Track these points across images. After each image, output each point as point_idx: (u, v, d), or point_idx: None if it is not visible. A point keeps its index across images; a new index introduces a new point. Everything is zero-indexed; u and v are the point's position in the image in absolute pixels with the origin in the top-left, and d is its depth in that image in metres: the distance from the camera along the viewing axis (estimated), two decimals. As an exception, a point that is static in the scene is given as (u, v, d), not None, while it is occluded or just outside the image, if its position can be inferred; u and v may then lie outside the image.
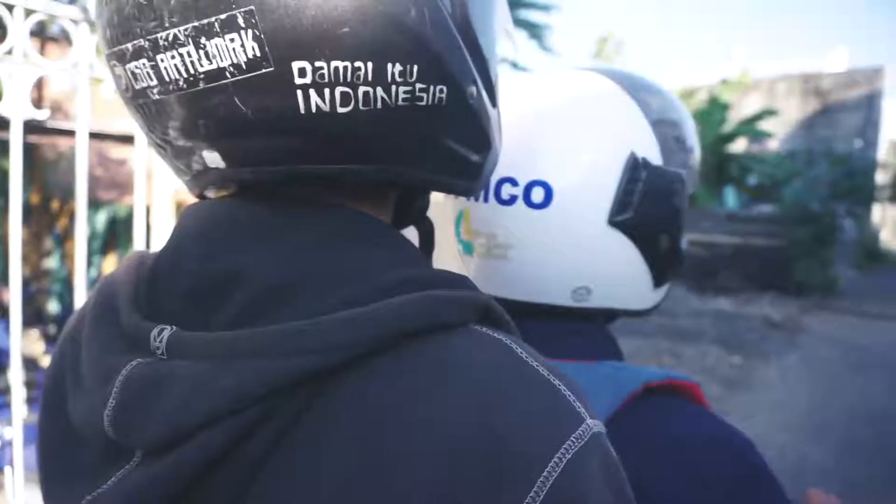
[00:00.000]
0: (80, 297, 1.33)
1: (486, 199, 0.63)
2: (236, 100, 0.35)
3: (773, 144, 18.42)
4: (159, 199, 1.45)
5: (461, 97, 0.39)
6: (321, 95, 0.34)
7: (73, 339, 0.43)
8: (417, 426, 0.31)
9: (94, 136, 1.66)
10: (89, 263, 3.69)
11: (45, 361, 3.27)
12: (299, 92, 0.34)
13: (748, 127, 15.68)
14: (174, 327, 0.35)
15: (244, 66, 0.34)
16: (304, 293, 0.35)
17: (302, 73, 0.34)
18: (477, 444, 0.31)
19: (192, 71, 0.34)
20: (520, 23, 5.60)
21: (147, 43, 0.34)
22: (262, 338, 0.33)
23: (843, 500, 0.72)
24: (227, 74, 0.34)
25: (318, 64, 0.34)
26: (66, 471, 0.38)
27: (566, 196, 0.60)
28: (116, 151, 5.96)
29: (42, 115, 1.30)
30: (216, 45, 0.33)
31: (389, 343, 0.33)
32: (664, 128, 0.64)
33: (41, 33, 3.15)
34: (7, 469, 1.35)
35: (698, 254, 13.07)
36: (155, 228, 1.44)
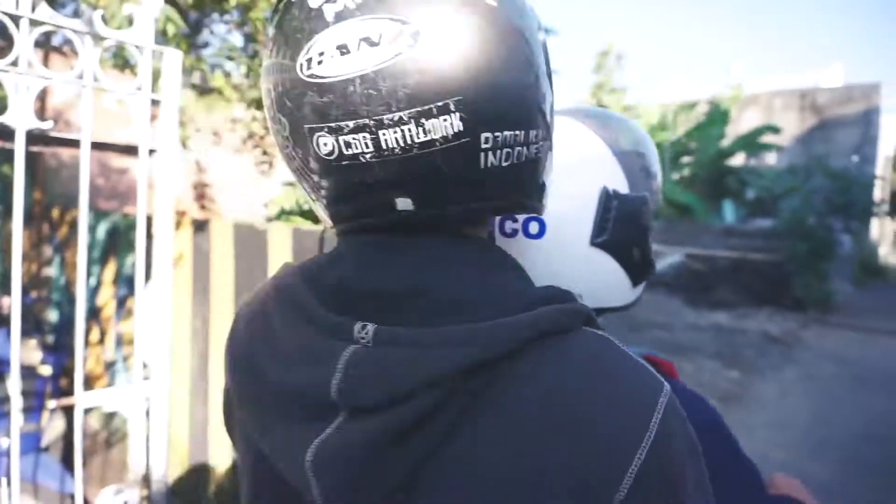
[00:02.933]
0: (81, 307, 1.34)
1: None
2: (439, 161, 0.48)
3: (770, 159, 18.49)
4: (161, 208, 1.46)
5: (552, 143, 0.58)
6: (495, 155, 0.50)
7: (249, 327, 0.59)
8: (561, 395, 0.46)
9: (97, 145, 1.67)
10: (89, 273, 3.69)
11: (43, 371, 3.27)
12: (482, 154, 0.49)
13: (750, 140, 15.76)
14: (375, 325, 0.48)
15: (450, 138, 0.47)
16: (469, 306, 0.49)
17: (486, 140, 0.49)
18: (608, 406, 0.46)
19: (409, 142, 0.47)
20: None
21: (372, 122, 0.46)
22: (452, 334, 0.46)
23: None
24: (437, 144, 0.47)
25: (496, 133, 0.49)
26: (286, 419, 0.50)
27: (556, 227, 0.75)
28: (118, 161, 5.98)
29: (45, 125, 1.31)
30: (432, 124, 0.47)
31: (532, 341, 0.47)
32: (629, 158, 0.79)
33: (45, 44, 3.18)
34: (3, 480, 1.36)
35: (696, 268, 13.07)
36: (156, 238, 1.45)
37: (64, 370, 3.44)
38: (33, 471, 2.61)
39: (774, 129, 15.85)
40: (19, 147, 1.24)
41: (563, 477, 0.43)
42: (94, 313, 3.91)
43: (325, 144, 0.49)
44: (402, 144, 0.47)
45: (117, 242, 3.79)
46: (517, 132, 0.50)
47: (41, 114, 3.19)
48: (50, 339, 4.51)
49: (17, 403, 1.34)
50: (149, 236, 1.47)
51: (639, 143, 0.81)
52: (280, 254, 2.74)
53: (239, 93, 3.17)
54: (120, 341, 3.82)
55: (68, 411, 2.53)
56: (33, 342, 3.70)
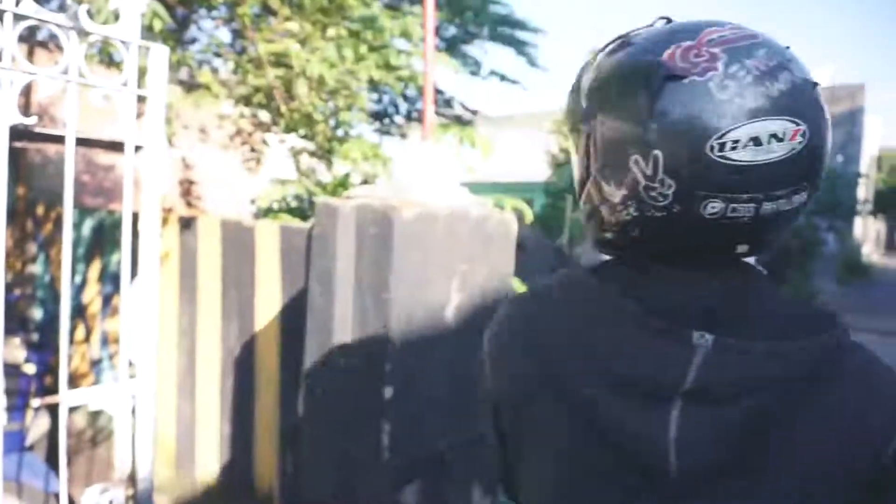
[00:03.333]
0: (66, 304, 1.33)
1: None
2: (781, 221, 0.62)
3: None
4: (147, 206, 1.45)
5: None
6: (804, 209, 0.64)
7: (553, 324, 0.71)
8: (864, 391, 0.62)
9: (82, 141, 1.65)
10: (74, 270, 3.65)
11: (27, 369, 3.23)
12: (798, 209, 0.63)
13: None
14: (712, 335, 0.61)
15: (799, 206, 0.62)
16: (779, 325, 0.63)
17: (804, 206, 0.63)
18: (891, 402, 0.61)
19: (778, 210, 0.60)
20: (508, 40, 5.65)
21: (762, 195, 0.59)
22: (779, 347, 0.60)
23: None
24: (790, 212, 0.61)
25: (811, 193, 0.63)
26: (626, 400, 0.63)
27: None
28: (104, 158, 5.91)
29: (30, 121, 1.30)
30: (796, 198, 0.61)
31: (832, 355, 0.61)
32: None
33: (29, 39, 3.14)
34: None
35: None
36: (142, 235, 1.44)
37: (48, 368, 3.40)
38: (17, 470, 2.58)
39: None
40: (2, 142, 1.22)
41: (860, 449, 0.60)
42: (79, 311, 3.87)
43: (714, 207, 0.60)
44: (773, 211, 0.60)
45: (103, 240, 3.75)
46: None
47: (26, 109, 3.15)
48: (34, 337, 4.46)
49: (0, 402, 1.33)
50: (135, 234, 1.46)
51: None
52: (267, 251, 2.73)
53: (226, 89, 3.15)
54: (106, 339, 3.79)
55: (53, 410, 2.51)
56: (17, 340, 3.66)
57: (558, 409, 0.68)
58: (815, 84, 0.61)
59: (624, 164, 0.62)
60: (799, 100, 0.58)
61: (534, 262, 11.70)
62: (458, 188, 2.00)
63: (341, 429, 1.89)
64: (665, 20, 0.67)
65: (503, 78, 6.08)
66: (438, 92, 6.72)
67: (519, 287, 3.46)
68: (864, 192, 20.54)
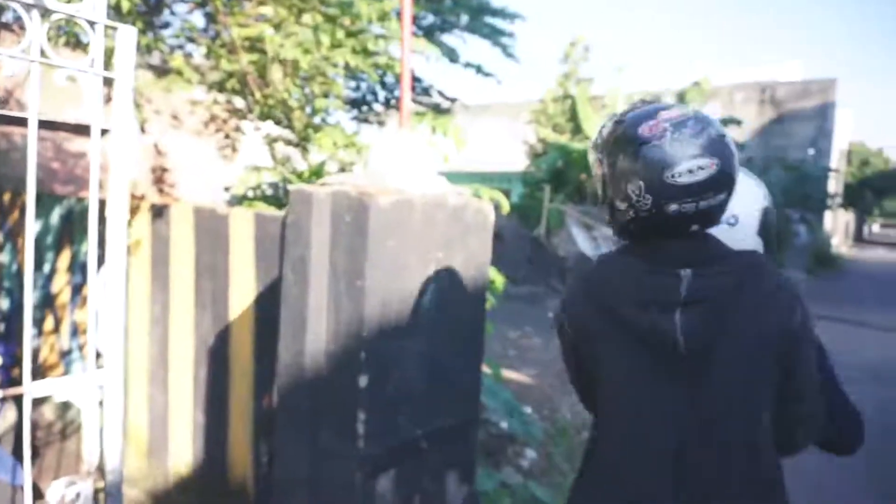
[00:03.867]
0: (28, 293, 1.29)
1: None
2: (717, 210, 1.13)
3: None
4: (114, 191, 1.41)
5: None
6: (725, 204, 1.18)
7: (594, 293, 1.22)
8: (768, 290, 1.14)
9: (46, 124, 1.60)
10: (43, 259, 3.57)
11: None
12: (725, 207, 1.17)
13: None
14: (689, 269, 1.12)
15: (721, 202, 1.13)
16: (722, 260, 1.14)
17: (726, 200, 1.15)
18: (782, 292, 1.15)
19: (709, 205, 1.10)
20: (483, 29, 5.63)
21: (698, 198, 1.09)
22: (721, 269, 1.13)
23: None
24: (717, 203, 1.12)
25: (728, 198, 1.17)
26: (649, 312, 1.14)
27: (745, 224, 1.34)
28: (75, 144, 5.78)
29: (-10, 102, 1.25)
30: (719, 196, 1.11)
31: (753, 270, 1.13)
32: (768, 194, 1.43)
33: (-8, 20, 3.04)
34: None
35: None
36: (109, 221, 1.40)
37: (16, 360, 3.33)
38: (-17, 463, 2.52)
39: (735, 122, 16.16)
40: (-38, 124, 1.18)
41: (782, 323, 1.12)
42: (48, 301, 3.79)
43: (672, 208, 1.11)
44: (706, 206, 1.09)
45: (73, 228, 3.67)
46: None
47: (-11, 92, 3.05)
48: (1, 327, 4.35)
49: (-38, 392, 1.29)
50: (103, 221, 1.42)
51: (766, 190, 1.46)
52: (242, 239, 2.69)
53: (199, 74, 3.09)
54: (76, 330, 3.72)
55: (20, 402, 2.45)
56: (-17, 330, 3.57)
57: (612, 331, 1.19)
58: (724, 135, 1.13)
59: (624, 189, 1.14)
60: (713, 145, 1.10)
61: (511, 252, 11.75)
62: (436, 176, 1.99)
63: (315, 418, 1.87)
64: (642, 102, 1.23)
65: (479, 70, 6.07)
66: (416, 80, 6.68)
67: (496, 276, 3.47)
68: (834, 185, 20.93)
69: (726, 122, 15.95)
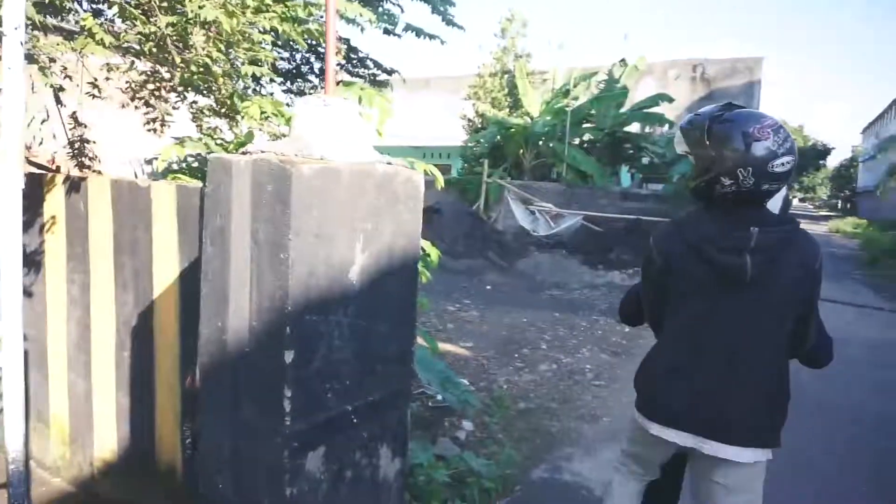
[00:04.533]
0: None
1: None
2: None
3: (664, 127, 19.38)
4: (8, 157, 1.30)
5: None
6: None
7: (685, 237, 1.84)
8: (802, 244, 1.81)
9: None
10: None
11: None
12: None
13: (645, 106, 16.39)
14: (756, 227, 1.73)
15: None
16: (776, 224, 1.78)
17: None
18: (813, 247, 1.83)
19: (780, 186, 1.80)
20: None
21: (783, 183, 1.78)
22: (780, 230, 1.77)
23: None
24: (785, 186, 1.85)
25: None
26: (720, 273, 1.78)
27: (772, 204, 1.85)
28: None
29: None
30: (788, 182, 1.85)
31: (795, 231, 1.80)
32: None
33: None
34: None
35: (594, 230, 13.60)
36: (2, 191, 1.29)
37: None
38: None
39: (667, 98, 16.57)
40: None
41: (810, 261, 1.78)
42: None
43: (766, 187, 1.73)
44: (783, 188, 1.79)
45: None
46: None
47: None
48: None
49: None
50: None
51: None
52: (164, 213, 2.57)
53: (113, 37, 2.88)
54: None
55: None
56: None
57: (695, 260, 1.78)
58: (794, 140, 1.69)
59: (733, 170, 1.69)
60: (793, 147, 1.69)
61: (450, 226, 11.76)
62: (364, 144, 1.93)
63: (240, 396, 1.81)
64: (729, 104, 1.85)
65: (419, 34, 5.96)
66: (352, 50, 6.51)
67: (431, 249, 3.45)
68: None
69: (660, 98, 16.34)
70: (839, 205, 60.42)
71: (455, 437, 3.66)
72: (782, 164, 1.67)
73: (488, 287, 9.03)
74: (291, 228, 1.64)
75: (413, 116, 28.17)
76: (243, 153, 1.81)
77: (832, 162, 61.36)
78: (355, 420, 1.95)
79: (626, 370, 5.43)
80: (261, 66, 3.21)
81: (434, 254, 3.26)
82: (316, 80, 6.54)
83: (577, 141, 16.43)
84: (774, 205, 1.86)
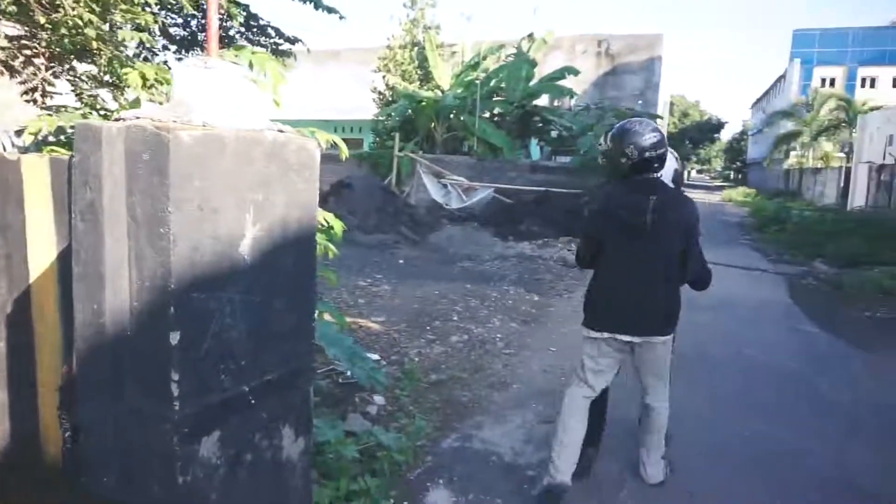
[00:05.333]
0: None
1: None
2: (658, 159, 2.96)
3: (570, 101, 19.85)
4: None
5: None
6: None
7: (609, 204, 2.91)
8: (683, 205, 2.95)
9: None
10: None
11: None
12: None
13: (553, 78, 16.69)
14: (654, 195, 2.80)
15: (659, 153, 3.00)
16: (667, 188, 2.95)
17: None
18: (688, 205, 2.99)
19: (657, 154, 2.91)
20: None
21: (655, 153, 2.93)
22: (668, 194, 2.88)
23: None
24: (658, 154, 3.01)
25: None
26: (630, 226, 2.80)
27: (665, 176, 3.03)
28: None
29: None
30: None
31: (679, 194, 3.01)
32: (677, 161, 3.39)
33: None
34: None
35: (505, 202, 13.82)
36: None
37: None
38: None
39: (574, 72, 16.94)
40: None
41: (687, 216, 2.88)
42: None
43: (644, 159, 2.84)
44: (658, 155, 2.81)
45: None
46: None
47: None
48: None
49: None
50: None
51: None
52: (37, 189, 2.34)
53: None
54: None
55: None
56: None
57: (614, 221, 2.81)
58: (658, 126, 2.91)
59: (623, 150, 2.77)
60: (656, 129, 2.82)
61: (362, 201, 11.59)
62: (252, 110, 1.82)
63: (123, 382, 1.69)
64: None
65: (317, 5, 5.76)
66: (252, 17, 6.21)
67: (335, 222, 3.36)
68: (659, 132, 22.77)
69: (566, 71, 16.68)
70: (732, 175, 64.43)
71: (366, 412, 3.63)
72: (650, 139, 2.76)
73: (401, 261, 8.99)
74: (171, 201, 1.52)
75: (323, 90, 27.44)
76: (116, 120, 1.66)
77: (726, 135, 65.16)
78: (253, 401, 1.87)
79: (535, 338, 5.57)
80: (143, 31, 2.98)
81: (338, 226, 3.18)
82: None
83: (487, 114, 16.54)
84: (667, 176, 3.01)
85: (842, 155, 28.59)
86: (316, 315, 3.54)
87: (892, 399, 4.45)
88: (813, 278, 9.38)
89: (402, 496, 2.87)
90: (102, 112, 3.27)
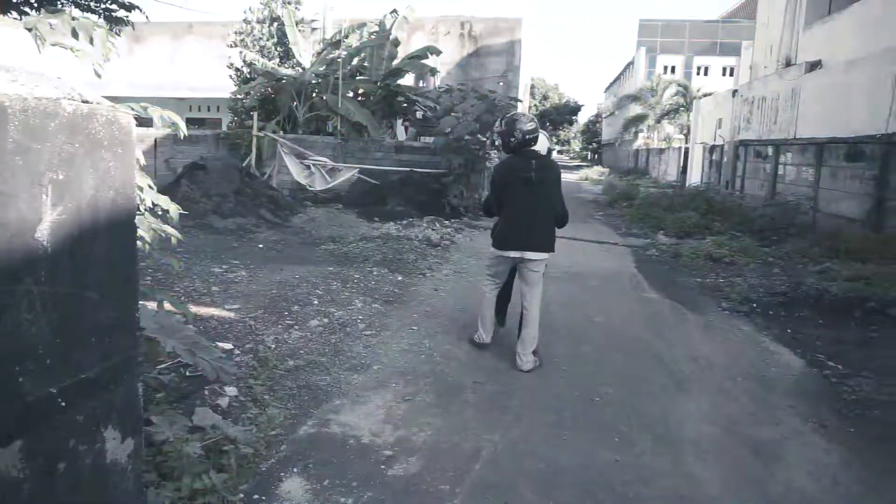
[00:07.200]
0: None
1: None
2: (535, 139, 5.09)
3: (436, 81, 19.97)
4: None
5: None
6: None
7: (510, 166, 4.76)
8: (553, 166, 5.01)
9: None
10: None
11: None
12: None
13: (416, 57, 16.66)
14: (535, 160, 4.75)
15: (535, 135, 5.12)
16: (543, 156, 4.90)
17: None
18: (555, 166, 5.25)
19: (534, 136, 4.90)
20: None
21: (532, 135, 5.00)
22: (545, 161, 4.85)
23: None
24: (535, 136, 5.17)
25: None
26: (523, 179, 4.63)
27: (540, 150, 4.96)
28: None
29: None
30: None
31: (548, 157, 5.18)
32: (547, 141, 5.26)
33: None
34: None
35: (370, 183, 13.68)
36: None
37: None
38: None
39: (436, 51, 17.02)
40: None
41: (556, 174, 4.89)
42: None
43: (529, 137, 4.77)
44: (534, 137, 4.74)
45: None
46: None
47: None
48: None
49: None
50: None
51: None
52: None
53: None
54: None
55: None
56: None
57: (512, 179, 4.64)
58: (535, 118, 4.99)
59: (514, 134, 4.64)
60: (534, 121, 4.79)
61: (218, 184, 10.96)
62: (46, 77, 1.61)
63: None
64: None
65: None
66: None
67: (170, 205, 3.12)
68: (520, 114, 23.57)
69: (429, 51, 16.74)
70: (589, 156, 68.35)
71: (216, 404, 3.43)
72: (529, 126, 4.60)
73: (260, 246, 8.61)
74: (-60, 181, 1.31)
75: (178, 66, 25.52)
76: None
77: (583, 118, 68.80)
78: (63, 404, 1.68)
79: (397, 317, 5.57)
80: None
81: (173, 209, 2.95)
82: (33, 13, 5.55)
83: (351, 94, 16.22)
84: (542, 149, 4.77)
85: (682, 136, 31.30)
86: (155, 306, 3.29)
87: (708, 350, 4.96)
88: (656, 250, 10.19)
89: (254, 489, 2.76)
90: None
